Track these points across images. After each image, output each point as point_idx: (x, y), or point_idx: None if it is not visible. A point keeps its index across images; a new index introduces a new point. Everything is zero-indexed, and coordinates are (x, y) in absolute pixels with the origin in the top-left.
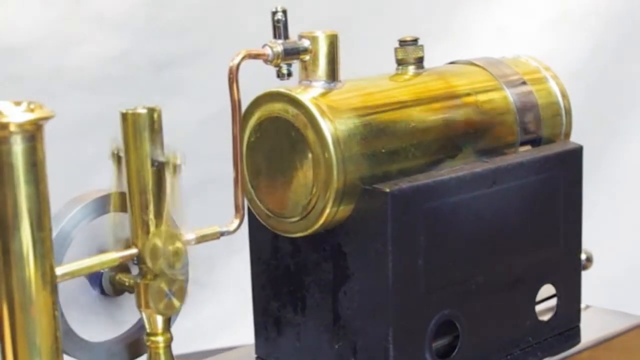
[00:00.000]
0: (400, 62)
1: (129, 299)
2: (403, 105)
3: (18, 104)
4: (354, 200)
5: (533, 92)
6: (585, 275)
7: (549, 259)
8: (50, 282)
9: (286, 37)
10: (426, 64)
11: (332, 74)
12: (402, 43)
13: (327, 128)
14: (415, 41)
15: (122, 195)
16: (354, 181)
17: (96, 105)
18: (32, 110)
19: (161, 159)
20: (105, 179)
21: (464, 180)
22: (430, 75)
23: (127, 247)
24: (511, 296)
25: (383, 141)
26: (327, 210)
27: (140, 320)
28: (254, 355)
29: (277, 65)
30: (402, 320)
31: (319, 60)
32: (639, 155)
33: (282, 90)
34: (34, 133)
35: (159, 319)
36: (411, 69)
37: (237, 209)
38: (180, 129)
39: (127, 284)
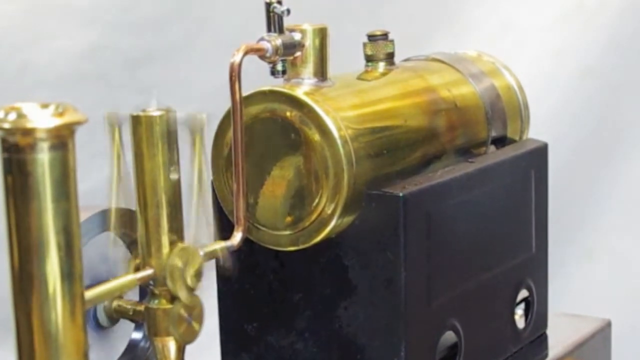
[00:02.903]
0: (370, 59)
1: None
2: (396, 104)
3: (45, 106)
4: (357, 207)
5: (497, 89)
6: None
7: (524, 263)
8: (82, 315)
9: (282, 30)
10: None
11: (322, 71)
12: (372, 38)
13: (335, 128)
14: (385, 35)
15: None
16: (361, 186)
17: None
18: (60, 115)
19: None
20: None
21: (460, 181)
22: (405, 72)
23: (136, 268)
24: (497, 303)
25: (384, 142)
26: (334, 220)
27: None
28: None
29: (272, 62)
30: (412, 333)
31: (310, 56)
32: None
33: (279, 89)
34: (64, 140)
35: (172, 349)
36: (381, 65)
37: (239, 221)
38: None
39: (130, 311)
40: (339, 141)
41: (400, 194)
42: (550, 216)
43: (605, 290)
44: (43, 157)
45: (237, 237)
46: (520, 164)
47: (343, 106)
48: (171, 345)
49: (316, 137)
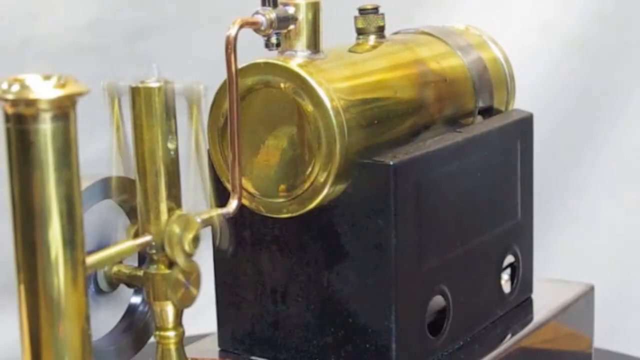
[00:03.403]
0: (361, 32)
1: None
2: (387, 76)
3: (48, 77)
4: (349, 175)
5: (484, 61)
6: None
7: (510, 229)
8: (83, 280)
9: (276, 4)
10: None
11: (315, 44)
12: (363, 11)
13: (328, 99)
14: (376, 9)
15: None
16: (352, 155)
17: None
18: (62, 86)
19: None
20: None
21: (448, 151)
22: (396, 45)
23: (135, 235)
24: (484, 268)
25: (375, 112)
26: (326, 188)
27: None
28: (217, 348)
29: (266, 35)
30: (402, 297)
31: (303, 29)
32: None
33: (273, 61)
34: (65, 111)
35: (170, 313)
36: (372, 38)
37: (234, 189)
38: None
39: (129, 276)
40: (331, 112)
41: (391, 163)
42: (536, 184)
43: (590, 256)
44: (45, 128)
45: (232, 205)
46: (507, 133)
47: (335, 78)
48: (169, 309)
49: (309, 107)
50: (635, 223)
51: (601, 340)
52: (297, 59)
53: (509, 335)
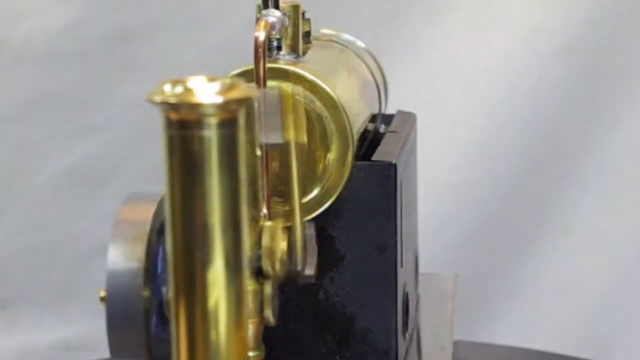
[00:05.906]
0: None
1: None
2: (351, 81)
3: (212, 80)
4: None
5: (373, 68)
6: None
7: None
8: (246, 314)
9: (277, 6)
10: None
11: (297, 47)
12: None
13: (338, 100)
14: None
15: None
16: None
17: (45, 82)
18: (229, 89)
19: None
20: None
21: (407, 149)
22: (325, 50)
23: None
24: (411, 265)
25: (356, 112)
26: (337, 193)
27: None
28: None
29: (273, 39)
30: (399, 298)
31: (289, 32)
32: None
33: (275, 65)
34: (233, 116)
35: (251, 332)
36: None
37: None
38: (136, 109)
39: None
40: (344, 114)
41: (394, 162)
42: (530, 192)
43: (582, 265)
44: (211, 135)
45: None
46: (414, 131)
47: (333, 81)
48: (250, 328)
49: (321, 111)
50: (628, 232)
51: (595, 352)
52: (292, 62)
53: (443, 330)
